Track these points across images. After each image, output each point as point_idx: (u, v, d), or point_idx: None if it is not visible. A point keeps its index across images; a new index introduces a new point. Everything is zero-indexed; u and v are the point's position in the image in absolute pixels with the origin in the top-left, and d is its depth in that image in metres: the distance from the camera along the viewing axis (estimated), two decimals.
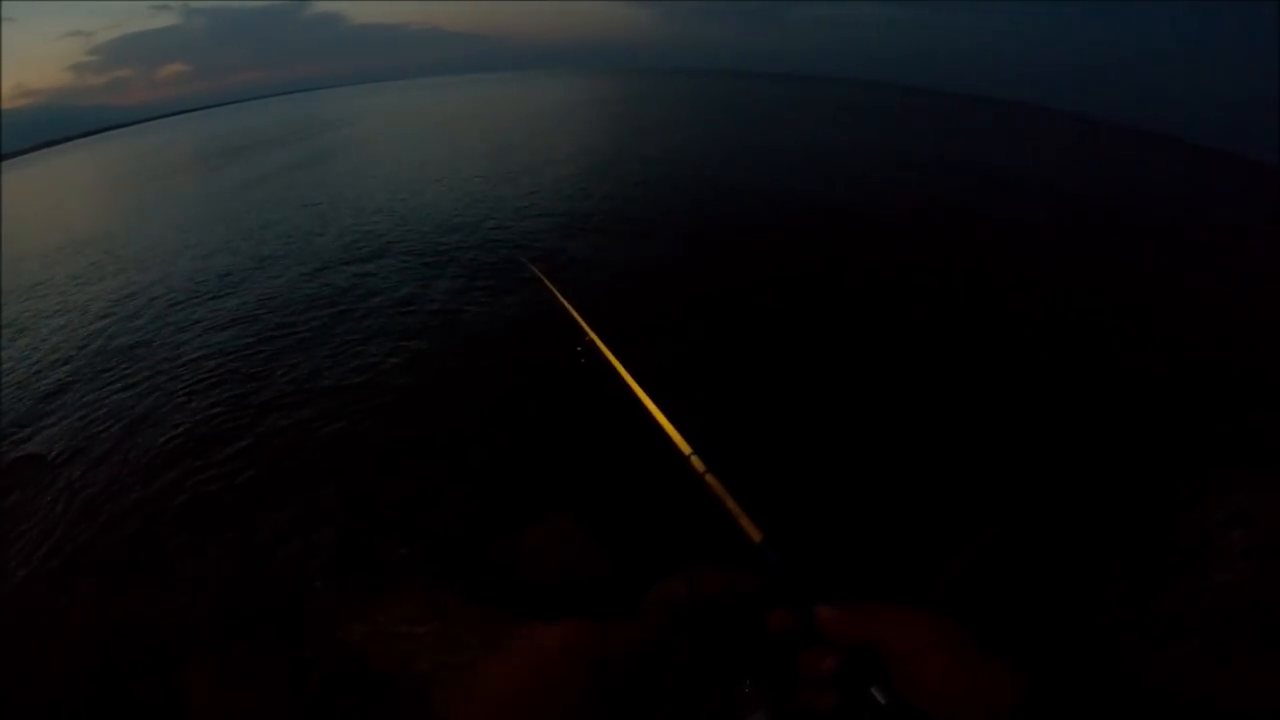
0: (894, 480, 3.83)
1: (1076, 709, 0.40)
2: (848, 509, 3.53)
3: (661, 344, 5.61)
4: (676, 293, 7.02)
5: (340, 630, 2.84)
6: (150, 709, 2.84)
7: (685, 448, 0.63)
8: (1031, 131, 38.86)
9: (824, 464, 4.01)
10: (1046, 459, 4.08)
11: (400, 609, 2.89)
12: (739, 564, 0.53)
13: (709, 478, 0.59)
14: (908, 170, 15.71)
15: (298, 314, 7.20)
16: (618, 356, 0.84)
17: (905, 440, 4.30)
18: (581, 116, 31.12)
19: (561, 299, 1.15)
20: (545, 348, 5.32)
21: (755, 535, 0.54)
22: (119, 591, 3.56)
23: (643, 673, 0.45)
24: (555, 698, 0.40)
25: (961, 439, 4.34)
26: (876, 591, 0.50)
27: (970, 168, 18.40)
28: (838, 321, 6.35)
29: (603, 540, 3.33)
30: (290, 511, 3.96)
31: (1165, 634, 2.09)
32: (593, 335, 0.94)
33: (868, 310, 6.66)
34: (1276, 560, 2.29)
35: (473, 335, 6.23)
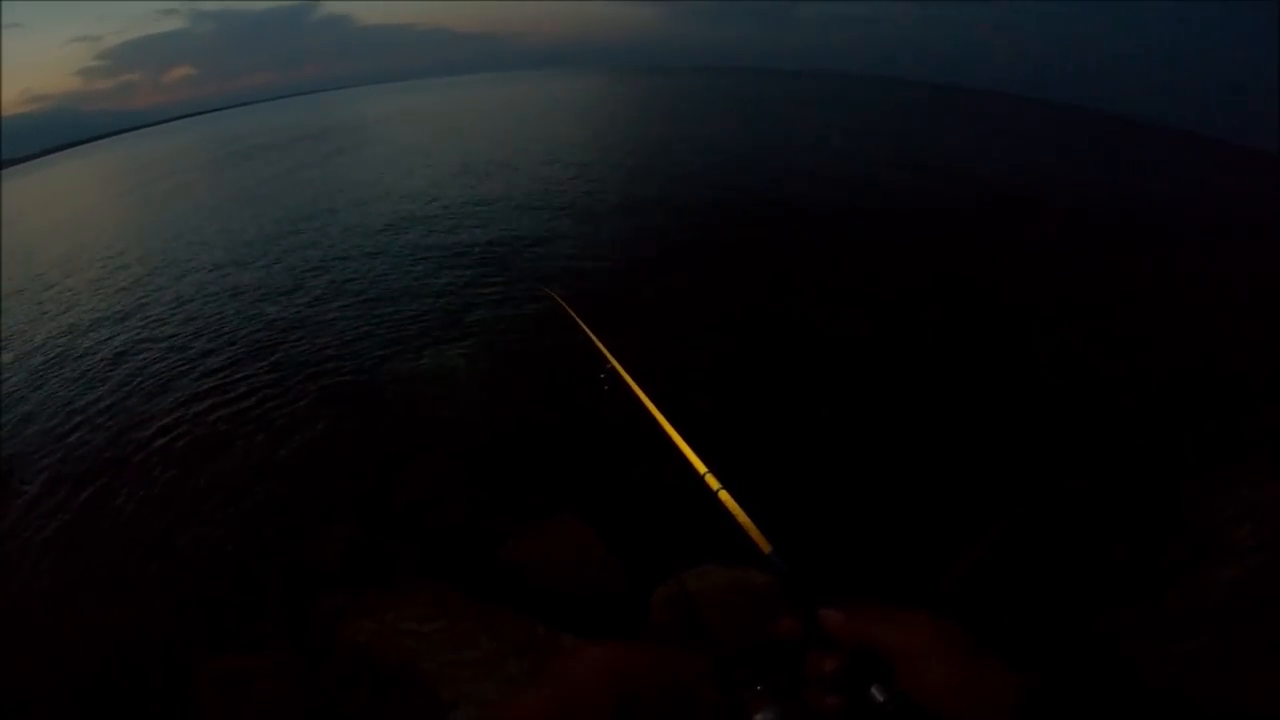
0: (901, 483, 3.82)
1: (1078, 708, 0.40)
2: (856, 512, 3.52)
3: (675, 352, 5.55)
4: (689, 303, 6.88)
5: (349, 628, 2.86)
6: (161, 708, 2.87)
7: (701, 467, 0.67)
8: (1035, 125, 38.49)
9: (834, 470, 3.99)
10: (1053, 458, 4.06)
11: (409, 607, 2.91)
12: (748, 566, 0.55)
13: (722, 495, 0.63)
14: (910, 172, 15.53)
15: (313, 319, 7.23)
16: (638, 381, 0.87)
17: (912, 442, 4.28)
18: (601, 116, 31.04)
19: (582, 324, 1.16)
20: (560, 358, 5.21)
21: (765, 547, 0.57)
22: (129, 592, 3.61)
23: (669, 705, 0.45)
24: None
25: (969, 439, 4.32)
26: (882, 593, 0.52)
27: (975, 164, 18.24)
28: (848, 327, 6.27)
29: (611, 542, 3.34)
30: (302, 511, 4.00)
31: (1171, 632, 2.08)
32: (615, 362, 0.98)
33: (873, 313, 6.59)
34: None
35: (491, 344, 6.16)
